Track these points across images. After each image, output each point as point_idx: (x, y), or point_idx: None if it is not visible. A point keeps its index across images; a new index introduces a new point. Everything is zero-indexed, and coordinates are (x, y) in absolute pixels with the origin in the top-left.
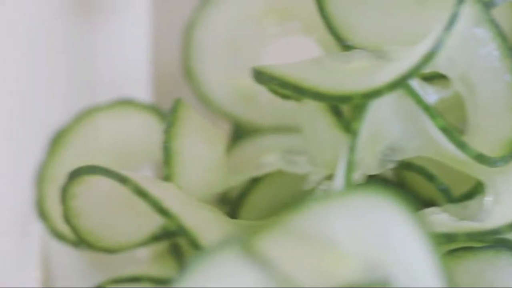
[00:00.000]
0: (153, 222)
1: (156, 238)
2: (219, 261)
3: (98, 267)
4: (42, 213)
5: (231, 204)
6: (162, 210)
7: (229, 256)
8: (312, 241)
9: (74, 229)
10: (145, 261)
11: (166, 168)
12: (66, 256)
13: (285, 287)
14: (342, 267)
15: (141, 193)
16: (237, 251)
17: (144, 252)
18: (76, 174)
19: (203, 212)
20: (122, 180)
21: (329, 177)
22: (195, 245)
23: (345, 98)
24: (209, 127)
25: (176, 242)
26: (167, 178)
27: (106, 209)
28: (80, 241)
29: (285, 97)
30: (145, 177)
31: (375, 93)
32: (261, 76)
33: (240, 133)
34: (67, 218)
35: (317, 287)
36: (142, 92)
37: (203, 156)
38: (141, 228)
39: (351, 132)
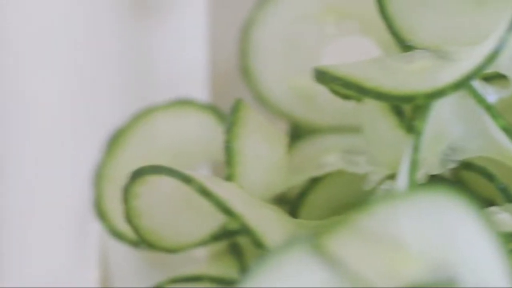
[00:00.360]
0: (213, 222)
1: (216, 237)
2: (288, 260)
3: (156, 266)
4: (100, 213)
5: (290, 204)
6: (226, 210)
7: (297, 255)
8: (378, 241)
9: (135, 228)
10: (203, 261)
11: (228, 168)
12: (124, 256)
13: (355, 287)
14: (409, 266)
15: (206, 193)
16: (306, 250)
17: (201, 252)
18: (139, 173)
19: (266, 211)
20: (187, 179)
21: (390, 177)
22: (259, 245)
23: (409, 98)
24: (270, 127)
25: (236, 242)
26: (228, 178)
27: (167, 209)
28: (141, 241)
29: (345, 97)
30: (208, 176)
31: (439, 93)
32: (323, 76)
33: (298, 133)
34: (129, 218)
35: (385, 287)
36: (199, 91)
37: (264, 156)
38: (201, 227)
39: (414, 132)
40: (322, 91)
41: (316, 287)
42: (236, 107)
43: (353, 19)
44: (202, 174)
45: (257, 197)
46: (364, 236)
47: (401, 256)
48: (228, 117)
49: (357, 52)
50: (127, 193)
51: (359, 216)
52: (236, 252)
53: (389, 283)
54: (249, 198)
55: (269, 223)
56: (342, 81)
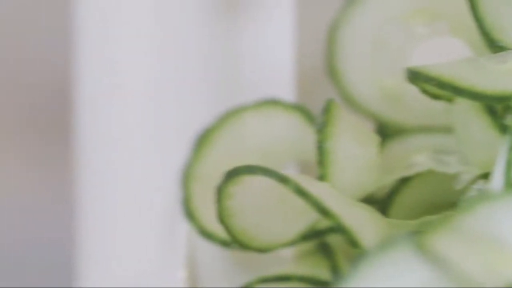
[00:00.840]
0: (304, 222)
1: (305, 237)
2: (389, 260)
3: (243, 266)
4: (189, 213)
5: (379, 203)
6: (323, 210)
7: (399, 254)
8: (480, 241)
9: (227, 229)
10: (289, 261)
11: (320, 168)
12: (211, 256)
13: (460, 287)
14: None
15: (302, 193)
16: (408, 249)
17: (287, 251)
18: (234, 173)
19: (360, 210)
20: (283, 179)
21: (482, 177)
22: (354, 244)
23: (505, 98)
24: (362, 127)
25: (325, 241)
26: (321, 177)
27: (259, 209)
28: (232, 241)
29: (435, 97)
30: (302, 176)
31: None
32: (417, 76)
33: (384, 133)
34: (221, 218)
35: (488, 286)
36: (286, 91)
37: (357, 155)
38: (291, 227)
39: (508, 132)
40: (410, 91)
41: (418, 287)
42: (328, 107)
43: (443, 20)
44: (297, 174)
45: (349, 197)
46: (465, 236)
47: (504, 256)
48: (318, 117)
49: (444, 52)
50: (220, 193)
51: (460, 216)
52: (326, 251)
53: (492, 283)
54: (342, 198)
55: (364, 223)
56: (437, 81)
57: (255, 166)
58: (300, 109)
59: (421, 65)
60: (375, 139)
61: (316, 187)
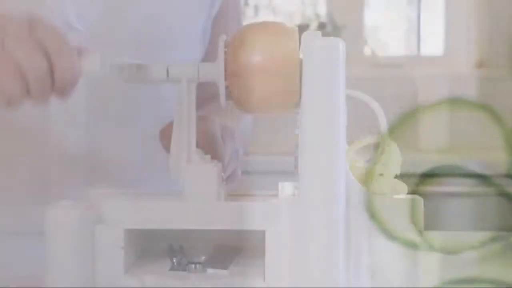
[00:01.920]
0: (493, 223)
1: (495, 239)
2: None
3: (426, 267)
4: (371, 212)
5: None
6: None
7: None
8: None
9: (419, 231)
10: (472, 262)
11: None
12: (391, 256)
13: None
14: None
15: (506, 194)
16: None
17: (471, 253)
18: (431, 173)
19: None
20: (487, 180)
21: None
22: None
23: None
24: None
25: None
26: None
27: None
28: (422, 243)
29: None
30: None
31: None
32: None
33: None
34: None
35: None
36: (470, 90)
37: None
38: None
39: None
40: None
41: None
42: None
43: None
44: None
45: None
46: None
47: None
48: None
49: None
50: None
51: None
52: None
53: None
54: None
55: None
56: None
57: (454, 166)
58: (485, 107)
59: None
60: None
61: None
